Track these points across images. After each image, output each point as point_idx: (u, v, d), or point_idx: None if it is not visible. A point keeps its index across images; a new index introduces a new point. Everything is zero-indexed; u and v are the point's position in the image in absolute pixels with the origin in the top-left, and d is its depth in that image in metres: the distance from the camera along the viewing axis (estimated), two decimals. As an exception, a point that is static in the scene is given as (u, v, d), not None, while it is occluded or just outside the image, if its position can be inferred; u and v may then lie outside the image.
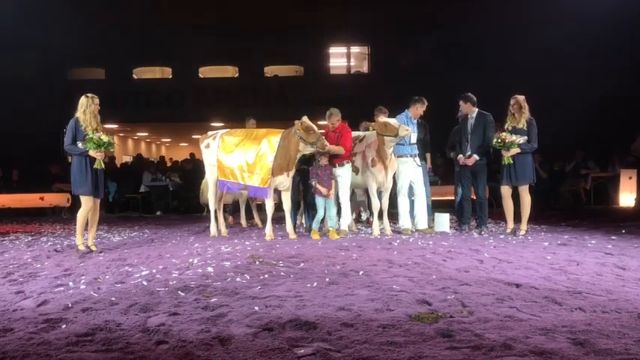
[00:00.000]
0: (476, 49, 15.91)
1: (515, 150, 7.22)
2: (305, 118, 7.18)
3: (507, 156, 7.27)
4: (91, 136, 6.33)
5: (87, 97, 6.50)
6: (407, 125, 7.51)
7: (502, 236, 7.34)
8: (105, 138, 6.38)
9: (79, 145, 6.39)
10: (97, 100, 6.52)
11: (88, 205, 6.53)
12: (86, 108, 6.42)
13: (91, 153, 6.38)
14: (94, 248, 6.68)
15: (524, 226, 7.46)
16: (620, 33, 14.42)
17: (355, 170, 7.85)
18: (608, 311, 3.44)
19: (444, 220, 8.05)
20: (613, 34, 14.50)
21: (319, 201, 7.50)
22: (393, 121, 7.44)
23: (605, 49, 14.78)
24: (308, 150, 7.30)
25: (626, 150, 12.94)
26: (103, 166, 6.57)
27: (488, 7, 15.49)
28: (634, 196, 12.22)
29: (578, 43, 14.71)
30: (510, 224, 7.59)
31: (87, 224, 6.67)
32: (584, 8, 14.17)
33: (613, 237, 7.03)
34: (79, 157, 6.45)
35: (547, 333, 3.03)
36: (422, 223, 7.91)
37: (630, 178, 12.37)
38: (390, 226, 7.84)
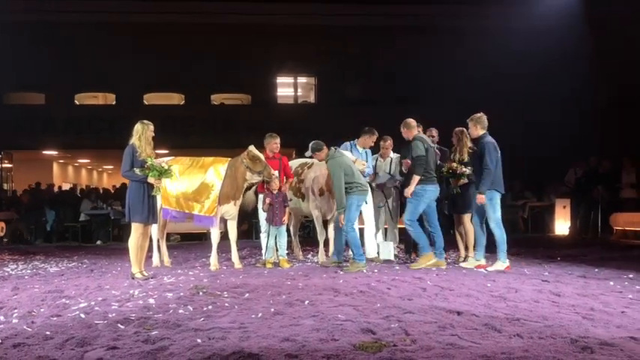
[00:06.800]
0: (421, 82, 16.39)
1: (464, 180, 7.41)
2: (251, 148, 7.21)
3: (456, 186, 7.44)
4: (152, 163, 6.30)
5: (142, 123, 6.52)
6: (351, 151, 7.63)
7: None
8: (165, 165, 6.45)
9: (137, 171, 6.33)
10: (151, 127, 6.55)
11: (138, 233, 6.50)
12: (141, 134, 6.44)
13: (151, 180, 6.34)
14: (145, 274, 6.58)
15: (471, 253, 7.61)
16: (556, 70, 15.20)
17: (301, 197, 7.88)
18: (544, 337, 3.56)
19: (389, 249, 8.13)
20: (551, 70, 15.28)
21: (272, 230, 7.47)
22: (348, 153, 7.53)
23: (542, 86, 15.54)
24: (255, 179, 7.33)
25: (560, 181, 13.55)
26: (161, 192, 6.63)
27: (433, 41, 16.05)
28: (568, 224, 12.77)
29: (515, 79, 15.39)
30: (463, 252, 7.75)
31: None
32: (523, 44, 14.89)
33: (549, 264, 7.31)
34: (138, 183, 6.40)
35: (487, 360, 3.11)
36: (372, 251, 7.94)
37: (564, 207, 12.94)
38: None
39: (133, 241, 6.51)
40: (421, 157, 6.97)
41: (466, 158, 7.44)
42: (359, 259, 7.00)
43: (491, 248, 7.16)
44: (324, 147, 7.25)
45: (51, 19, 16.25)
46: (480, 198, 6.85)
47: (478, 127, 7.04)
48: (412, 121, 7.29)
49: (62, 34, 16.12)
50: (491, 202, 6.87)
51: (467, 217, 7.61)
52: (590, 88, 15.10)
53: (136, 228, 6.50)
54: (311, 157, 7.46)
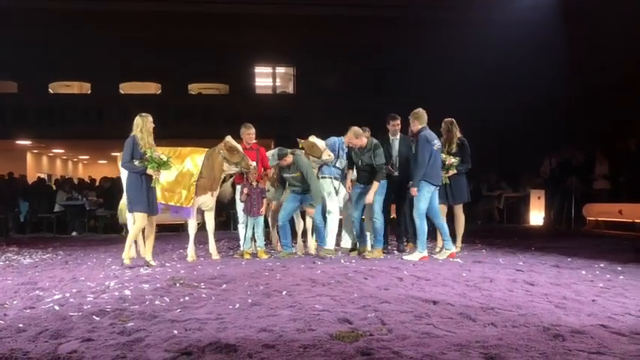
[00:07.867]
0: (400, 74, 16.40)
1: (453, 171, 7.49)
2: (229, 138, 7.16)
3: (446, 177, 7.50)
4: (151, 155, 6.41)
5: (141, 116, 6.64)
6: (338, 148, 7.63)
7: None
8: (164, 157, 6.54)
9: (136, 163, 6.43)
10: (150, 119, 6.66)
11: (143, 222, 6.67)
12: (142, 127, 6.56)
13: (150, 172, 6.45)
14: (153, 264, 6.67)
15: (459, 243, 7.72)
16: (532, 63, 15.33)
17: (278, 186, 7.85)
18: (517, 326, 3.62)
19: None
20: (527, 63, 15.40)
21: (249, 220, 7.45)
22: (321, 143, 7.53)
23: (519, 78, 15.66)
24: (232, 170, 7.30)
25: (535, 172, 13.74)
26: (160, 183, 6.71)
27: (415, 32, 16.05)
28: (542, 215, 12.97)
29: (494, 71, 15.48)
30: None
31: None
32: (504, 37, 14.97)
33: (523, 254, 7.43)
34: (136, 174, 6.50)
35: (461, 349, 3.15)
36: (330, 242, 7.83)
37: (539, 198, 13.14)
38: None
39: (137, 229, 6.76)
40: (383, 166, 7.19)
41: (455, 149, 7.52)
42: (323, 244, 7.49)
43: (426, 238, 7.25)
44: (289, 152, 7.40)
45: (25, 6, 15.81)
46: (412, 191, 7.03)
47: (417, 122, 7.17)
48: (359, 130, 7.32)
49: (36, 21, 15.71)
50: (420, 192, 6.99)
51: (459, 207, 7.73)
52: (565, 81, 15.29)
53: (140, 218, 6.62)
54: (277, 164, 7.55)
